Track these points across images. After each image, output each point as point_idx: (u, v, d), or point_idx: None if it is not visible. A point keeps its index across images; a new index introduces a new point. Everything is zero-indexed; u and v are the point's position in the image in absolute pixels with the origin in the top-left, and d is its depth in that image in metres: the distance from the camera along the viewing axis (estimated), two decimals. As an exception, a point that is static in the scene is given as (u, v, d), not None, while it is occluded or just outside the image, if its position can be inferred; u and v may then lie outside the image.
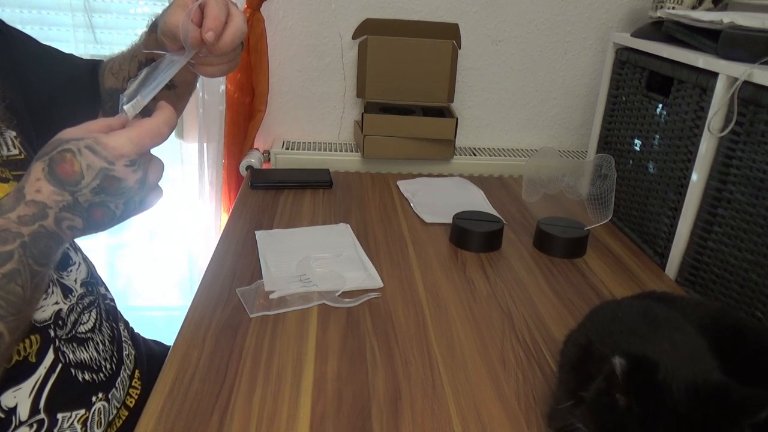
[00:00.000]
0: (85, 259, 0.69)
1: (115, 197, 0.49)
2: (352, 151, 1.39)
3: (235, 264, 0.87)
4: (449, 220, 1.01)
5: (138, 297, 1.73)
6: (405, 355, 0.69)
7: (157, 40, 0.66)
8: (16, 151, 0.59)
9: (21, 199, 0.47)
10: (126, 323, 0.78)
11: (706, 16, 0.93)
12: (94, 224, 0.50)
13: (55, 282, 0.60)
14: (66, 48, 0.77)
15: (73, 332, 0.61)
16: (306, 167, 1.32)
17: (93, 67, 0.78)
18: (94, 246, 1.63)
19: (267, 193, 1.16)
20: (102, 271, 0.71)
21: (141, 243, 1.67)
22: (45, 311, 0.57)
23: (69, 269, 0.63)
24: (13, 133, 0.60)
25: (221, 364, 0.66)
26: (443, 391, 0.64)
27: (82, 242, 0.68)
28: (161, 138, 0.51)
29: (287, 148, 1.38)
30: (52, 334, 0.58)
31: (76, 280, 0.64)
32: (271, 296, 0.79)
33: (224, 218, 1.42)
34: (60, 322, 0.59)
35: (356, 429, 0.58)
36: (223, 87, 1.34)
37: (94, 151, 0.48)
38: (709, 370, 0.48)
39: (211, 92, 1.34)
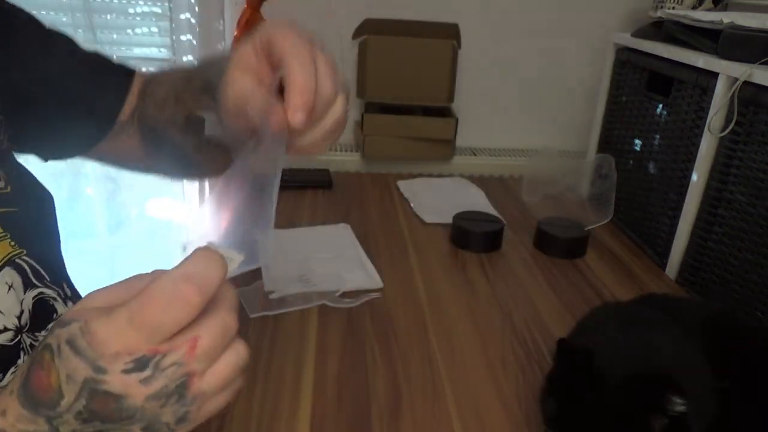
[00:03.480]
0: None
1: (120, 425, 0.31)
2: (352, 151, 1.39)
3: (235, 264, 0.87)
4: (449, 220, 1.01)
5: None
6: (405, 356, 0.69)
7: (209, 103, 0.48)
8: (2, 184, 0.48)
9: None
10: None
11: (706, 16, 0.93)
12: None
13: (27, 348, 0.48)
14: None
15: None
16: (306, 167, 1.32)
17: (120, 66, 0.62)
18: (93, 246, 1.63)
19: (267, 193, 1.15)
20: (102, 272, 0.66)
21: (141, 243, 1.67)
22: None
23: (49, 327, 0.50)
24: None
25: (221, 364, 0.66)
26: (443, 391, 0.64)
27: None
28: (189, 306, 0.30)
29: (287, 148, 1.38)
30: None
31: None
32: (271, 296, 0.79)
33: (224, 218, 1.41)
34: None
35: (356, 429, 0.58)
36: (223, 87, 1.34)
37: (76, 348, 0.30)
38: (660, 367, 0.51)
39: (211, 92, 1.34)
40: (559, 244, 0.97)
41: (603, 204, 1.05)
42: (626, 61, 1.13)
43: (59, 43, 0.58)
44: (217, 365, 0.32)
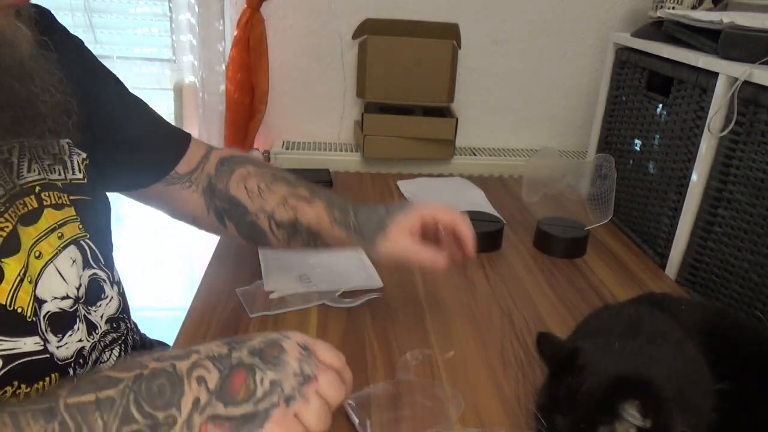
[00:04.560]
0: (122, 294, 0.65)
1: (266, 367, 0.45)
2: (352, 151, 1.39)
3: (235, 264, 0.87)
4: (449, 220, 1.01)
5: (138, 297, 1.73)
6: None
7: (341, 233, 0.69)
8: (80, 176, 0.58)
9: (189, 346, 0.47)
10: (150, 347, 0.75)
11: (706, 16, 0.93)
12: (225, 392, 0.43)
13: (82, 318, 0.56)
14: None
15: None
16: (306, 167, 1.32)
17: (179, 137, 0.72)
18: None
19: (267, 193, 1.15)
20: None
21: (141, 243, 1.67)
22: (68, 349, 0.54)
23: (98, 304, 0.60)
24: (83, 156, 0.59)
25: (221, 364, 0.66)
26: (443, 390, 0.64)
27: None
28: (332, 364, 0.49)
29: (287, 148, 1.38)
30: (72, 372, 0.55)
31: (102, 316, 0.60)
32: (271, 296, 0.79)
33: (224, 218, 1.41)
34: (81, 361, 0.56)
35: (356, 429, 0.58)
36: (222, 87, 1.34)
37: (279, 331, 0.50)
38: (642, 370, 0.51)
39: (211, 92, 1.34)
40: (559, 244, 0.97)
41: (603, 204, 1.05)
42: (626, 61, 1.13)
43: (134, 99, 0.68)
44: (319, 399, 0.46)
